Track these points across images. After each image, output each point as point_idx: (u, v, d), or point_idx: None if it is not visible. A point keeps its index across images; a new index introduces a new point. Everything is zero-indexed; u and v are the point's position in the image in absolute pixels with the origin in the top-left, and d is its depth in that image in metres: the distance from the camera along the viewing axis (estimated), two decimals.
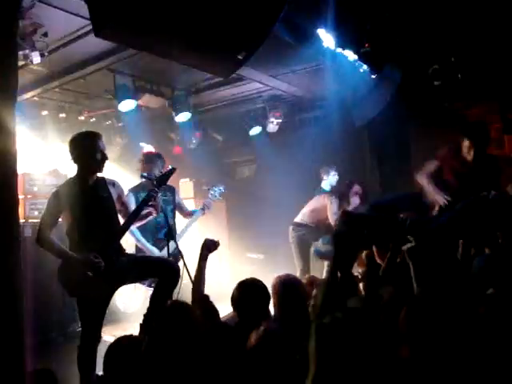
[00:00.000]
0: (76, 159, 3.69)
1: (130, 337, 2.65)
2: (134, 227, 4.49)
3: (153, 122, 7.36)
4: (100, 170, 3.74)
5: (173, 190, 5.12)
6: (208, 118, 7.83)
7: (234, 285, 3.17)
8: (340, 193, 6.33)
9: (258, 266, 7.66)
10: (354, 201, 6.22)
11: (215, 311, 3.29)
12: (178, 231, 5.05)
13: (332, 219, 6.05)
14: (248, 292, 3.04)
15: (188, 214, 5.22)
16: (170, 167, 4.22)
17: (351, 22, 4.66)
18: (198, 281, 3.51)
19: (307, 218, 6.36)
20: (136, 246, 4.86)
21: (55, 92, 6.14)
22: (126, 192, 4.48)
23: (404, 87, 5.79)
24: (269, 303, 3.11)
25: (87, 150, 3.65)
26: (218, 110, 7.54)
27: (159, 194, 4.52)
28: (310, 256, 6.41)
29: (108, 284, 3.65)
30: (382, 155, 7.10)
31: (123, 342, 2.56)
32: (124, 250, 3.83)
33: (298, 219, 6.45)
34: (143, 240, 4.76)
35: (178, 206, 5.14)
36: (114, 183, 3.91)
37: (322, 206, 6.26)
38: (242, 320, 3.00)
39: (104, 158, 3.70)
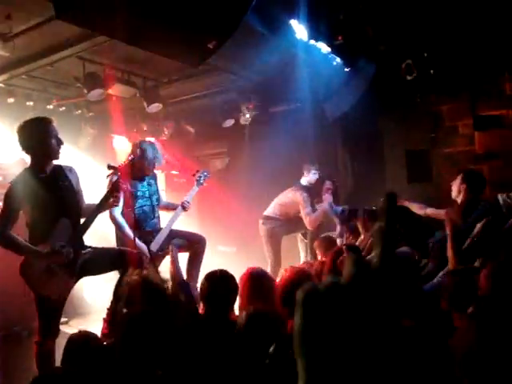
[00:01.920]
0: (28, 148, 3.52)
1: (87, 333, 2.59)
2: (119, 217, 4.40)
3: (124, 113, 7.23)
4: (57, 157, 3.59)
5: (155, 177, 4.95)
6: (180, 109, 7.72)
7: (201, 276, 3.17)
8: (311, 189, 6.33)
9: (229, 259, 7.62)
10: (327, 198, 6.22)
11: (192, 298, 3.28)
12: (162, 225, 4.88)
13: (306, 220, 6.03)
14: (217, 284, 3.02)
15: (165, 207, 5.04)
16: (129, 158, 4.14)
17: (324, 14, 4.64)
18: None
19: (277, 211, 6.36)
20: (117, 236, 4.63)
21: (22, 79, 5.96)
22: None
23: (377, 81, 5.80)
24: (236, 295, 3.09)
25: (40, 136, 3.49)
26: (191, 101, 7.44)
27: (137, 184, 4.47)
28: (281, 249, 6.41)
29: (70, 278, 3.56)
30: (354, 149, 7.12)
31: (80, 338, 2.51)
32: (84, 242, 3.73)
33: (267, 212, 6.44)
34: (127, 230, 4.43)
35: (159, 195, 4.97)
36: (70, 169, 3.77)
37: (292, 201, 6.26)
38: (209, 310, 2.98)
39: (59, 143, 3.56)
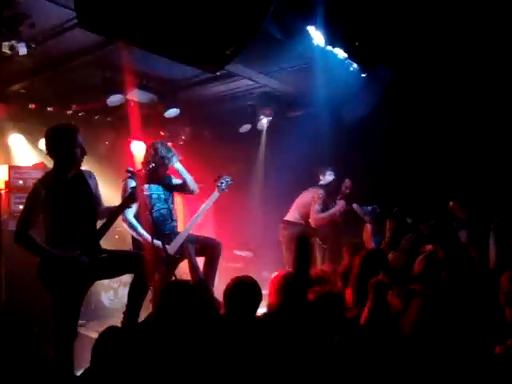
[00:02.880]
0: (54, 153, 3.61)
1: (117, 328, 2.61)
2: (132, 218, 4.44)
3: (142, 118, 7.30)
4: (79, 166, 3.67)
5: (170, 179, 4.96)
6: (198, 114, 7.77)
7: (220, 281, 3.19)
8: (329, 189, 6.31)
9: (245, 263, 7.65)
10: (340, 203, 6.23)
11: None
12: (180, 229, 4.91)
13: (313, 216, 6.05)
14: (242, 291, 3.06)
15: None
16: (151, 166, 4.15)
17: (341, 20, 4.65)
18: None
19: (297, 215, 6.33)
20: (133, 240, 4.66)
21: (43, 85, 6.05)
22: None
23: (394, 87, 5.79)
24: (260, 301, 3.13)
25: (67, 144, 3.57)
26: (208, 106, 7.49)
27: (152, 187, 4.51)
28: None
29: (87, 280, 3.61)
30: (371, 155, 7.10)
31: (111, 333, 2.53)
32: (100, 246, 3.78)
33: (288, 217, 6.41)
34: (143, 232, 4.46)
35: (180, 187, 4.95)
36: (90, 175, 3.84)
37: (312, 200, 6.24)
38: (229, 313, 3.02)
39: (83, 152, 3.64)
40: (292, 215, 6.39)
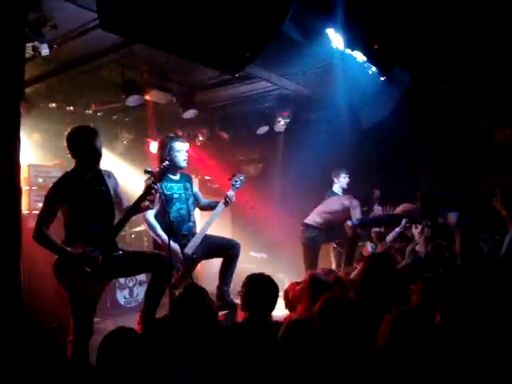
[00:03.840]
0: (75, 153, 3.67)
1: (125, 329, 2.63)
2: (152, 219, 4.46)
3: (160, 118, 7.35)
4: (92, 168, 3.73)
5: (191, 180, 4.91)
6: (215, 115, 7.81)
7: (236, 282, 3.22)
8: (361, 198, 6.26)
9: (260, 265, 7.65)
10: (378, 208, 6.22)
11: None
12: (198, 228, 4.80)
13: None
14: (257, 287, 3.09)
15: (205, 207, 5.02)
16: (164, 164, 4.13)
17: (360, 23, 4.63)
18: None
19: (320, 219, 6.27)
20: (154, 240, 4.62)
21: (63, 85, 6.14)
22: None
23: (413, 90, 5.76)
24: (277, 298, 3.16)
25: (82, 147, 3.64)
26: (226, 107, 7.53)
27: (174, 187, 4.52)
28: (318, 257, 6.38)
29: (102, 279, 3.65)
30: (388, 158, 7.07)
31: (118, 334, 2.55)
32: (117, 244, 3.82)
33: (309, 221, 6.36)
34: (161, 233, 4.41)
35: (195, 197, 4.87)
36: (109, 174, 3.87)
37: (344, 207, 6.15)
38: (249, 314, 3.03)
39: (99, 156, 3.69)
40: (312, 219, 6.34)
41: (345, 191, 6.79)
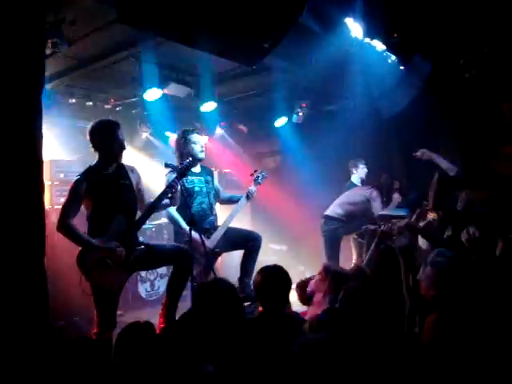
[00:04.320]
0: (99, 146, 3.73)
1: (142, 323, 2.65)
2: (174, 212, 4.48)
3: (178, 112, 7.37)
4: (117, 160, 3.76)
5: (212, 174, 4.96)
6: (233, 108, 7.80)
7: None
8: (381, 188, 6.22)
9: (280, 257, 7.65)
10: (396, 196, 6.18)
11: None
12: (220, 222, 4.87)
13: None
14: (270, 278, 3.08)
15: (226, 201, 5.08)
16: (189, 160, 4.13)
17: (380, 12, 4.57)
18: None
19: (341, 211, 6.24)
20: (175, 233, 4.68)
21: (82, 80, 6.18)
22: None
23: (433, 79, 5.67)
24: (290, 289, 3.15)
25: (105, 139, 3.69)
26: (244, 100, 7.50)
27: (195, 181, 4.53)
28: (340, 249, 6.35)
29: (125, 272, 3.68)
30: (409, 148, 6.98)
31: (135, 327, 2.57)
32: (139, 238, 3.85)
33: (330, 212, 6.33)
34: (184, 225, 4.41)
35: (216, 191, 4.94)
36: (132, 169, 3.93)
37: (365, 199, 6.13)
38: (264, 307, 3.02)
39: (122, 148, 3.74)
40: (333, 210, 6.31)
41: (363, 182, 6.75)
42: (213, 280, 2.98)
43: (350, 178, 6.83)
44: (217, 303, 2.51)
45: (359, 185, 6.74)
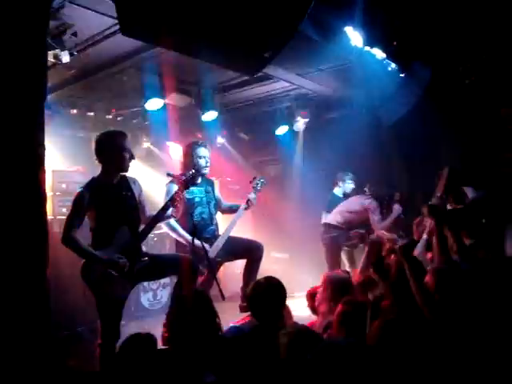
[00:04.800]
0: (103, 158, 3.72)
1: (143, 335, 2.64)
2: (172, 221, 4.48)
3: (179, 121, 7.39)
4: (126, 170, 3.77)
5: (213, 184, 4.98)
6: (234, 117, 7.82)
7: None
8: (381, 199, 6.24)
9: (282, 265, 7.64)
10: (396, 207, 6.19)
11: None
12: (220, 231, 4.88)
13: (376, 227, 6.00)
14: (262, 291, 3.08)
15: (226, 210, 5.08)
16: (191, 172, 4.17)
17: (379, 20, 4.59)
18: None
19: (341, 219, 6.28)
20: (177, 243, 4.69)
21: (84, 91, 6.20)
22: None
23: (433, 86, 5.69)
24: (284, 302, 3.15)
25: (116, 148, 3.69)
26: (245, 109, 7.52)
27: (195, 191, 4.54)
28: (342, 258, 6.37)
29: (128, 283, 3.68)
30: (409, 156, 6.99)
31: (136, 339, 2.57)
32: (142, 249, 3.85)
33: (331, 220, 6.37)
34: (183, 233, 4.47)
35: (217, 201, 4.94)
36: (134, 181, 3.94)
37: (363, 208, 6.20)
38: (258, 320, 3.01)
39: (131, 157, 3.74)
40: (334, 219, 6.34)
41: (346, 195, 6.83)
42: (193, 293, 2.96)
43: (333, 188, 6.93)
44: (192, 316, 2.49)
45: (341, 197, 6.83)
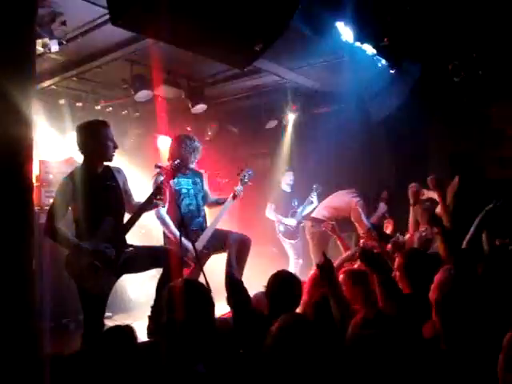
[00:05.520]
0: (85, 148, 3.66)
1: (121, 327, 2.63)
2: (165, 215, 4.47)
3: (169, 113, 7.36)
4: (110, 160, 3.73)
5: (201, 176, 4.96)
6: (224, 110, 7.81)
7: (245, 276, 3.22)
8: (367, 197, 6.26)
9: (270, 259, 7.65)
10: (382, 206, 6.21)
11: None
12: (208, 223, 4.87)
13: (362, 225, 5.97)
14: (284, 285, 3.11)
15: (213, 204, 5.05)
16: (177, 161, 4.15)
17: (371, 16, 4.60)
18: None
19: (327, 213, 6.29)
20: (164, 234, 4.69)
21: (73, 81, 6.16)
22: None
23: (423, 83, 5.72)
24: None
25: (98, 138, 3.63)
26: (234, 102, 7.52)
27: (182, 182, 4.52)
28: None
29: (113, 274, 3.66)
30: (398, 151, 7.03)
31: (114, 332, 2.56)
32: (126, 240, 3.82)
33: (317, 215, 6.38)
34: (174, 229, 4.46)
35: (205, 194, 4.94)
36: (118, 171, 3.89)
37: (348, 205, 6.20)
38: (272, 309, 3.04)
39: (115, 146, 3.70)
40: (320, 213, 6.36)
41: (291, 187, 7.09)
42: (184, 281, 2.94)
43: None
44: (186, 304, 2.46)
45: (288, 190, 7.08)
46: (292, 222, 6.99)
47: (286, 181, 7.10)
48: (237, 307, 3.17)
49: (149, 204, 3.84)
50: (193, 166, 4.74)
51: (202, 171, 5.11)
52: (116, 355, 2.40)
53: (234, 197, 4.85)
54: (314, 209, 6.79)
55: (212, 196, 5.08)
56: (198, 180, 4.85)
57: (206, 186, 4.98)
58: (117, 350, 2.42)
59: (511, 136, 5.94)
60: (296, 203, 7.13)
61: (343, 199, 6.33)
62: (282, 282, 3.12)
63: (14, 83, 2.53)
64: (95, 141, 3.64)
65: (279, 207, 7.07)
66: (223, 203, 4.88)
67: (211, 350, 2.45)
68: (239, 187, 4.90)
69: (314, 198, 6.89)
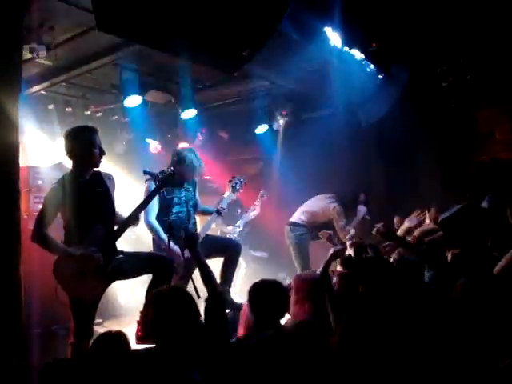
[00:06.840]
0: (73, 154, 3.64)
1: (112, 333, 2.61)
2: (154, 222, 4.44)
3: (159, 118, 7.35)
4: (97, 166, 3.70)
5: (195, 184, 4.91)
6: (214, 115, 7.80)
7: (236, 282, 3.18)
8: (345, 200, 6.23)
9: (261, 264, 7.65)
10: (361, 208, 6.20)
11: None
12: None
13: (341, 233, 5.97)
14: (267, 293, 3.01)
15: (200, 213, 5.01)
16: (170, 170, 4.10)
17: (359, 21, 4.63)
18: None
19: (304, 217, 6.26)
20: (153, 241, 4.65)
21: (62, 86, 6.13)
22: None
23: (411, 88, 5.76)
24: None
25: (85, 144, 3.60)
26: (224, 107, 7.52)
27: (175, 190, 4.50)
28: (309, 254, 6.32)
29: (102, 281, 3.63)
30: (387, 156, 7.07)
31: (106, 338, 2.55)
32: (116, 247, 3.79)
33: (295, 219, 6.33)
34: (164, 236, 4.41)
35: (196, 201, 4.90)
36: (109, 177, 3.86)
37: (323, 211, 6.18)
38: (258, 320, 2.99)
39: (102, 153, 3.68)
40: (298, 217, 6.31)
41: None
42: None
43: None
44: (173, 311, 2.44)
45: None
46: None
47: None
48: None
49: (140, 212, 3.83)
50: (187, 179, 4.70)
51: (195, 179, 5.08)
52: (109, 362, 2.39)
53: (219, 212, 4.83)
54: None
55: (201, 205, 5.05)
56: (191, 187, 4.83)
57: (197, 195, 4.95)
58: (109, 357, 2.41)
59: (498, 139, 5.99)
60: (239, 211, 7.09)
61: (319, 204, 6.29)
62: (264, 292, 2.99)
63: (1, 88, 2.53)
64: (81, 147, 3.60)
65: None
66: (210, 214, 4.86)
67: (204, 356, 2.44)
68: (230, 194, 4.90)
69: (257, 205, 6.65)
